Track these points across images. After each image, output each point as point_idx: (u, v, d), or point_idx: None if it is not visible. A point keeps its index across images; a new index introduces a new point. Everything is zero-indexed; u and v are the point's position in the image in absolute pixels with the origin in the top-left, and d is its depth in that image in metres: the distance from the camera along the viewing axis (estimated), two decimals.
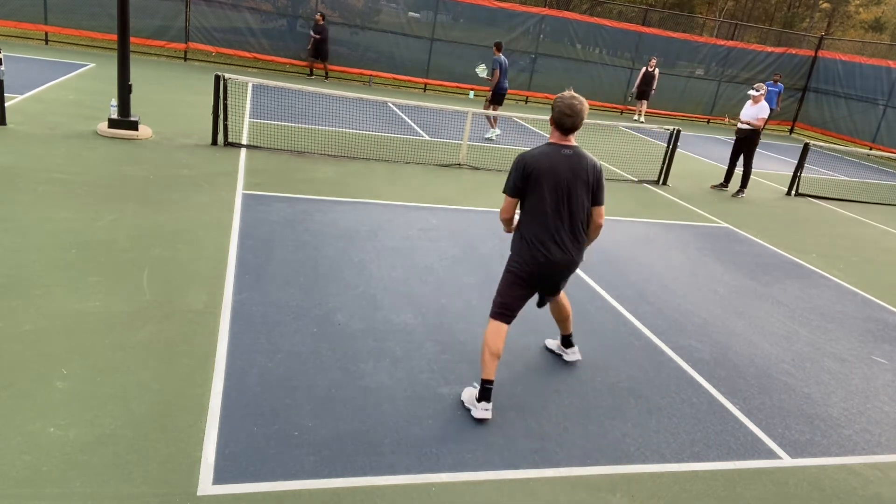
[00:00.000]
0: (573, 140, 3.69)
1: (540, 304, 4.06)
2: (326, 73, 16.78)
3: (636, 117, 18.55)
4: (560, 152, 3.64)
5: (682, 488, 3.31)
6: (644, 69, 17.73)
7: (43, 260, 4.71)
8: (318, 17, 16.17)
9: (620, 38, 19.65)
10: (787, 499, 3.36)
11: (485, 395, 3.68)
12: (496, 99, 11.94)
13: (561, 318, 4.26)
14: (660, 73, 17.91)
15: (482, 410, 3.67)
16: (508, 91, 12.08)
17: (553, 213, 3.65)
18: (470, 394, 3.81)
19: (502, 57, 11.68)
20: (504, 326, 3.76)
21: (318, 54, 16.42)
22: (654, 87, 17.81)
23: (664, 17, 25.88)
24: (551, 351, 4.52)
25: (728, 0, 40.59)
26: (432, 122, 13.24)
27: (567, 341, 4.39)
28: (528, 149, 3.75)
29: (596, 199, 3.75)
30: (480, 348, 4.04)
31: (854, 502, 3.41)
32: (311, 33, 16.23)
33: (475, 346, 4.40)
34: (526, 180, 3.64)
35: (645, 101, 18.16)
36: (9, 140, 7.46)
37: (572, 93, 3.64)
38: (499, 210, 3.86)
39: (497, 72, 11.60)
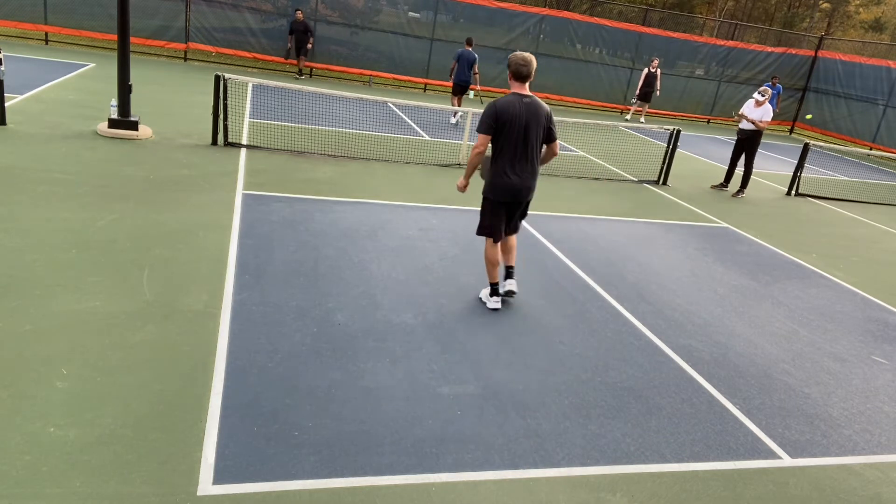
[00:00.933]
0: (527, 89, 4.68)
1: (507, 228, 5.02)
2: (301, 70, 16.71)
3: (628, 117, 18.44)
4: (522, 101, 4.64)
5: (682, 488, 3.31)
6: (646, 70, 17.58)
7: (43, 260, 4.71)
8: (298, 13, 16.07)
9: (620, 38, 19.65)
10: (787, 499, 3.36)
11: (494, 292, 5.04)
12: (454, 89, 13.25)
13: (506, 248, 5.17)
14: (661, 73, 17.83)
15: (494, 303, 5.02)
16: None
17: (515, 149, 4.68)
18: (485, 293, 5.14)
19: (464, 51, 12.94)
20: (493, 242, 4.96)
21: (301, 51, 16.41)
22: (658, 87, 17.65)
23: (664, 17, 25.88)
24: (504, 296, 5.14)
25: (728, 0, 40.59)
26: (432, 122, 13.24)
27: (508, 273, 5.18)
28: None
29: (550, 136, 4.82)
30: (484, 261, 5.22)
31: (854, 502, 3.41)
32: (306, 30, 16.22)
33: (475, 345, 4.41)
34: (497, 123, 4.60)
35: (646, 104, 18.06)
36: (9, 140, 7.46)
37: (522, 53, 4.66)
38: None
39: (455, 63, 13.05)
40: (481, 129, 4.63)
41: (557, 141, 4.88)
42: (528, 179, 4.80)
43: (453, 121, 13.57)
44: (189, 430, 3.18)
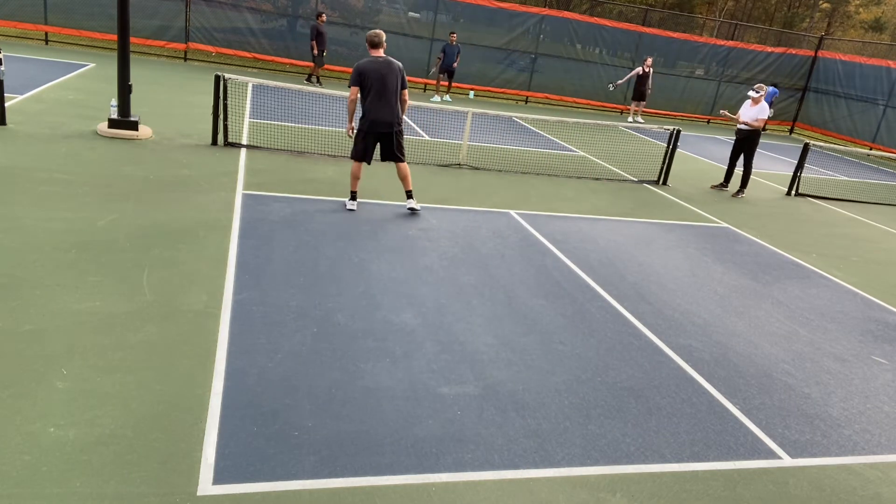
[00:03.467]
0: (382, 52, 6.56)
1: (383, 159, 6.92)
2: (318, 78, 15.76)
3: (630, 118, 18.30)
4: (378, 61, 6.51)
5: (682, 488, 3.31)
6: (639, 69, 17.41)
7: (43, 260, 4.71)
8: (323, 16, 15.21)
9: (620, 38, 19.64)
10: (787, 499, 3.36)
11: (353, 197, 6.92)
12: (445, 72, 16.35)
13: (401, 176, 6.97)
14: (653, 72, 17.62)
15: (351, 205, 6.88)
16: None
17: (377, 95, 6.51)
18: (348, 200, 6.92)
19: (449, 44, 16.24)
20: (360, 164, 6.80)
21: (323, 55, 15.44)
22: (650, 85, 17.47)
23: (664, 17, 25.90)
24: (409, 209, 7.03)
25: (728, 0, 40.61)
26: (432, 121, 13.24)
27: (408, 195, 7.03)
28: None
29: (403, 85, 6.67)
30: (349, 177, 6.96)
31: (854, 502, 3.41)
32: (315, 35, 15.04)
33: (475, 346, 4.41)
34: (361, 77, 6.46)
35: (642, 102, 17.91)
36: (9, 140, 7.47)
37: (374, 30, 6.60)
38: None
39: (443, 54, 16.14)
40: (352, 83, 6.49)
41: (407, 90, 6.73)
42: (388, 116, 6.59)
43: (441, 100, 16.42)
44: (189, 430, 3.18)
